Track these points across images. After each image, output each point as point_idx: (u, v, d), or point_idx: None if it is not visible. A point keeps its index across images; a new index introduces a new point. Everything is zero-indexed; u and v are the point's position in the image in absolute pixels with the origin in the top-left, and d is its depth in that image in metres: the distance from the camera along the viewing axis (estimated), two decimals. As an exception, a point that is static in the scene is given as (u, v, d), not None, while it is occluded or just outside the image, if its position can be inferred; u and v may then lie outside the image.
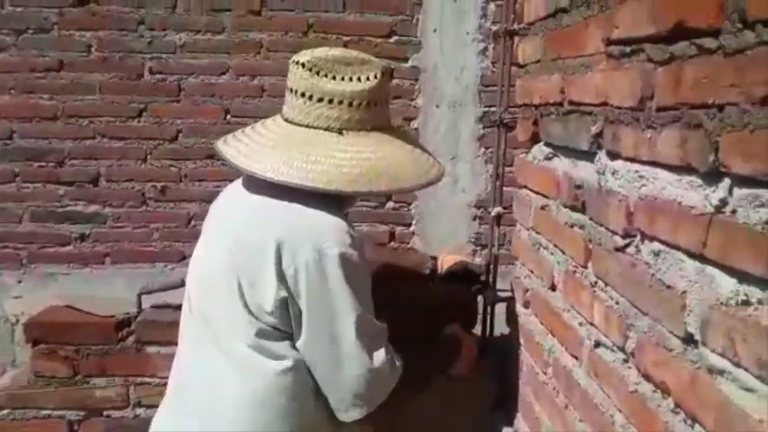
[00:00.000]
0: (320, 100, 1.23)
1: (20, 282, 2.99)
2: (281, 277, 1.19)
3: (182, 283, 1.75)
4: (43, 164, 2.95)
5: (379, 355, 1.27)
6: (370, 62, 1.28)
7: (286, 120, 1.30)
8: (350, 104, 1.24)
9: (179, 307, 1.61)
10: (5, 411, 1.71)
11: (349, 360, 1.23)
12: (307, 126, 1.25)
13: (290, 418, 1.24)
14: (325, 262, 1.19)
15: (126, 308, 1.76)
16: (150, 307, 1.78)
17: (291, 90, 1.27)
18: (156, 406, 1.53)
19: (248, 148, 1.29)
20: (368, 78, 1.26)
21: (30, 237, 2.99)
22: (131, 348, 1.70)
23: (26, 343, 1.71)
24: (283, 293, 1.20)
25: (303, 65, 1.24)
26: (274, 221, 1.24)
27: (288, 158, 1.22)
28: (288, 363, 1.23)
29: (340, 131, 1.25)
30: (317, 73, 1.23)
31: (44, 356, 1.69)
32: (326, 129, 1.25)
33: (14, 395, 1.70)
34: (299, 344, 1.23)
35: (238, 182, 1.39)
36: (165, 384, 1.45)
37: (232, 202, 1.37)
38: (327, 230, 1.22)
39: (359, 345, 1.23)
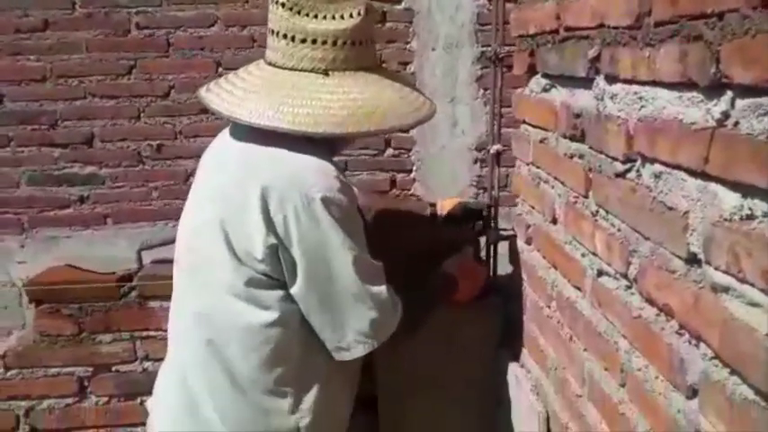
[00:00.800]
0: (303, 41, 1.20)
1: (22, 246, 2.98)
2: (269, 224, 1.18)
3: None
4: (36, 126, 2.90)
5: (380, 291, 1.26)
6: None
7: (269, 63, 1.27)
8: (334, 44, 1.21)
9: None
10: (14, 371, 1.73)
11: (350, 299, 1.23)
12: (291, 69, 1.23)
13: (274, 367, 1.25)
14: (314, 207, 1.17)
15: (127, 265, 1.76)
16: (151, 262, 1.78)
17: (273, 32, 1.24)
18: (163, 359, 1.54)
19: (231, 94, 1.26)
20: (351, 16, 1.22)
21: (29, 201, 2.97)
22: (134, 303, 1.71)
23: (29, 303, 1.71)
24: (273, 240, 1.18)
25: (283, 4, 1.21)
26: (260, 169, 1.21)
27: (272, 103, 1.20)
28: (274, 314, 1.23)
29: (326, 72, 1.22)
30: (299, 12, 1.20)
31: (48, 316, 1.70)
32: (312, 70, 1.22)
33: (21, 354, 1.72)
34: (294, 290, 1.22)
35: (225, 131, 1.36)
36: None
37: (217, 152, 1.35)
38: (314, 175, 1.19)
39: (358, 283, 1.22)
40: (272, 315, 1.23)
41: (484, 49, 2.83)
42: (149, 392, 1.73)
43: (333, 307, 1.23)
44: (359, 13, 1.22)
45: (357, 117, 1.20)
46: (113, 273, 1.71)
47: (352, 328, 1.25)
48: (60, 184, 2.95)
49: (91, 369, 1.73)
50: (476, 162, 2.98)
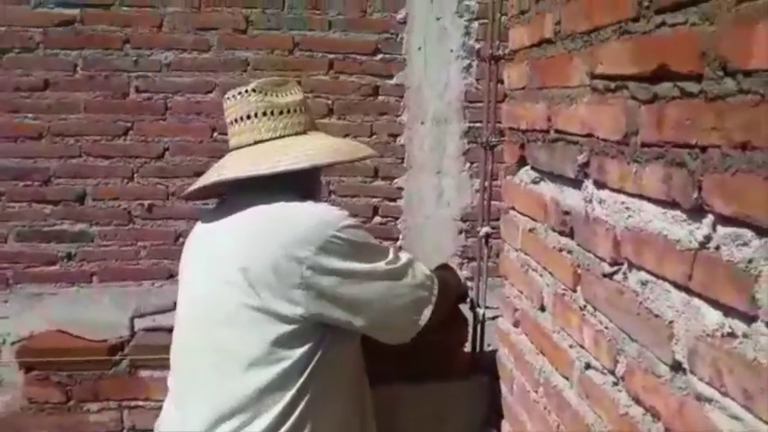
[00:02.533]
0: (280, 113, 1.41)
1: (6, 302, 2.96)
2: (299, 285, 1.25)
3: (174, 306, 1.77)
4: (29, 183, 2.94)
5: (420, 267, 1.44)
6: (286, 78, 1.52)
7: (245, 146, 1.41)
8: (301, 111, 1.45)
9: (171, 330, 1.62)
10: (-2, 438, 1.71)
11: (401, 296, 1.37)
12: (277, 138, 1.40)
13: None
14: (332, 249, 1.28)
15: (117, 330, 1.76)
16: (142, 330, 1.79)
17: (247, 116, 1.40)
18: (150, 430, 1.54)
19: (211, 171, 1.43)
20: (296, 90, 1.48)
21: (15, 256, 2.97)
22: (124, 372, 1.71)
23: (19, 369, 1.70)
24: (311, 298, 1.26)
25: (254, 90, 1.40)
26: (269, 237, 1.29)
27: (267, 159, 1.35)
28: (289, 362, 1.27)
29: (305, 132, 1.45)
30: (266, 93, 1.41)
31: (37, 383, 1.69)
32: (296, 133, 1.43)
33: (7, 422, 1.70)
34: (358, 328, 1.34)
35: (208, 218, 1.46)
36: (159, 408, 1.46)
37: (214, 233, 1.40)
38: (322, 220, 1.30)
39: (401, 268, 1.37)
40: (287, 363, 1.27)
41: (471, 124, 2.95)
42: (133, 463, 1.73)
43: (389, 311, 1.37)
44: (299, 88, 1.50)
45: (341, 150, 1.48)
46: (105, 340, 1.72)
47: (412, 301, 1.39)
48: (49, 241, 2.97)
49: (76, 438, 1.72)
50: (460, 233, 3.06)
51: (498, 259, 1.69)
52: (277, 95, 1.42)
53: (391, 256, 1.38)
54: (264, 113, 1.39)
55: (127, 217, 2.99)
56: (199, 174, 2.89)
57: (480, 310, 1.79)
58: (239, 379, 1.26)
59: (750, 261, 0.68)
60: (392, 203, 3.03)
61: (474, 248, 1.81)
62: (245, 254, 1.29)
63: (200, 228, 1.48)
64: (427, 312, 1.41)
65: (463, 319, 1.78)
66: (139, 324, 1.78)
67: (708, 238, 0.76)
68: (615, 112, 0.98)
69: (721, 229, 0.74)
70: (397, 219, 3.07)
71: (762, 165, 0.66)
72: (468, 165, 3.01)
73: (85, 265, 3.00)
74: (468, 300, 1.83)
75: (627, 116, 0.94)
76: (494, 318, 1.76)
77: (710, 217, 0.76)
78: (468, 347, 1.82)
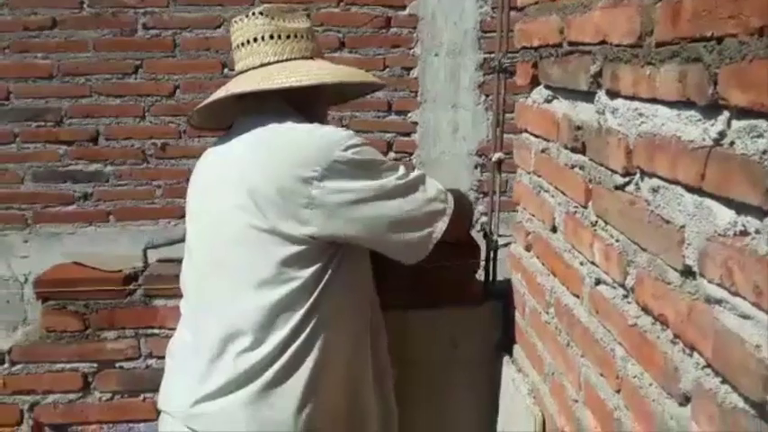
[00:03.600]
0: (288, 37, 1.40)
1: (26, 242, 3.02)
2: (307, 204, 1.25)
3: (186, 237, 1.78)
4: (42, 123, 2.94)
5: (433, 182, 1.43)
6: (293, 7, 1.47)
7: (252, 68, 1.38)
8: (307, 37, 1.43)
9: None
10: (20, 366, 1.75)
11: (416, 212, 1.35)
12: (284, 61, 1.38)
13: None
14: (338, 168, 1.27)
15: (132, 263, 1.78)
16: (156, 261, 1.80)
17: (254, 39, 1.38)
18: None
19: (227, 89, 1.39)
20: (304, 19, 1.46)
21: (33, 197, 3.00)
22: (139, 302, 1.73)
23: (36, 300, 1.73)
24: (313, 196, 1.26)
25: (261, 13, 1.39)
26: (275, 157, 1.29)
27: (275, 77, 1.34)
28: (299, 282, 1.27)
29: (311, 57, 1.43)
30: (273, 18, 1.40)
31: (54, 312, 1.72)
32: (302, 58, 1.41)
33: (27, 350, 1.74)
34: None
35: (214, 148, 1.45)
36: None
37: (222, 157, 1.40)
38: (328, 140, 1.29)
39: (412, 182, 1.36)
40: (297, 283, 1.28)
41: (486, 56, 2.87)
42: (152, 389, 1.76)
43: (403, 227, 1.35)
44: (308, 17, 1.48)
45: (348, 73, 1.47)
46: (120, 271, 1.74)
47: (426, 213, 1.37)
48: (65, 181, 2.99)
49: (95, 365, 1.75)
50: (476, 167, 3.02)
51: (512, 194, 1.67)
52: (284, 20, 1.41)
53: (402, 171, 1.36)
54: (272, 36, 1.38)
55: (141, 156, 3.00)
56: (210, 111, 2.89)
57: (493, 238, 1.77)
58: (249, 299, 1.27)
59: (765, 152, 0.65)
60: (406, 138, 2.99)
61: (489, 183, 1.78)
62: (251, 175, 1.28)
63: (207, 155, 1.47)
64: (442, 225, 1.39)
65: (476, 247, 1.77)
66: (152, 255, 1.79)
67: (722, 134, 0.73)
68: (630, 13, 0.93)
69: (736, 123, 0.71)
70: (411, 154, 3.03)
71: (781, 48, 0.63)
72: (483, 97, 2.95)
73: (102, 205, 3.03)
74: (482, 228, 1.82)
75: (641, 15, 0.90)
76: (506, 245, 1.74)
77: (725, 113, 0.73)
78: (481, 275, 1.81)
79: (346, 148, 1.27)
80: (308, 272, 1.27)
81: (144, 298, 1.73)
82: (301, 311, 1.26)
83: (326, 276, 1.29)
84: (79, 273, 1.76)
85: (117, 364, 1.76)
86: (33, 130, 2.95)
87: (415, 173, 1.40)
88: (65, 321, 1.72)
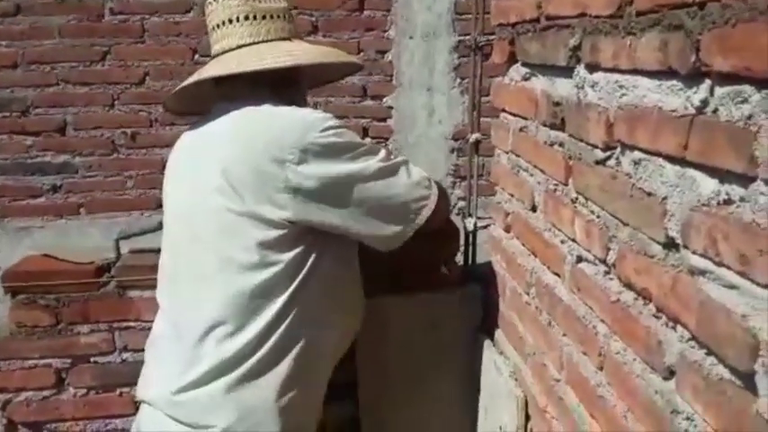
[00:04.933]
0: (263, 17, 1.36)
1: (-6, 236, 2.94)
2: (284, 189, 1.22)
3: (159, 227, 1.73)
4: (6, 114, 2.86)
5: (416, 168, 1.39)
6: None
7: (228, 50, 1.34)
8: (284, 17, 1.39)
9: (158, 250, 1.59)
10: (-10, 363, 1.70)
11: (397, 183, 1.32)
12: (260, 42, 1.35)
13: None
14: (310, 155, 1.23)
15: (104, 255, 1.74)
16: (129, 251, 1.76)
17: (229, 21, 1.34)
18: (143, 349, 1.53)
19: (200, 73, 1.35)
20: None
21: (0, 190, 2.92)
22: (113, 293, 1.69)
23: (5, 294, 1.68)
24: (288, 212, 1.23)
25: None
26: (251, 139, 1.26)
27: (251, 59, 1.31)
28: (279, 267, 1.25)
29: (289, 39, 1.39)
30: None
31: (24, 306, 1.67)
32: (279, 39, 1.37)
33: (-1, 346, 1.69)
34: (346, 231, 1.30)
35: (190, 131, 1.41)
36: (150, 328, 1.44)
37: (198, 140, 1.37)
38: (304, 123, 1.26)
39: (393, 166, 1.32)
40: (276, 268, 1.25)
41: (461, 38, 2.85)
42: (128, 383, 1.72)
43: (383, 209, 1.32)
44: None
45: (325, 53, 1.46)
46: (91, 262, 1.69)
47: (408, 199, 1.34)
48: (33, 173, 2.92)
49: (69, 360, 1.71)
50: (452, 151, 3.01)
51: (489, 177, 1.65)
52: (260, 1, 1.37)
53: (383, 154, 1.33)
54: (247, 17, 1.34)
55: (110, 146, 2.93)
56: (182, 98, 2.83)
57: (471, 220, 1.76)
58: (231, 284, 1.24)
59: (749, 117, 0.64)
60: (382, 123, 2.96)
61: (466, 167, 1.77)
62: (227, 158, 1.25)
63: (182, 140, 1.44)
64: (426, 212, 1.36)
65: (455, 230, 1.75)
66: (125, 246, 1.75)
67: (705, 102, 0.72)
68: (608, -17, 0.91)
69: (719, 90, 0.70)
70: (387, 139, 3.01)
71: (764, 11, 0.61)
72: (458, 81, 2.93)
73: (72, 197, 2.96)
74: (459, 211, 1.80)
75: (620, -15, 0.88)
76: (485, 227, 1.73)
77: (708, 81, 0.72)
78: (460, 259, 1.80)
79: (324, 130, 1.24)
80: (287, 256, 1.24)
81: (117, 290, 1.69)
82: (283, 297, 1.24)
83: (309, 262, 1.26)
84: (50, 265, 1.71)
85: (91, 359, 1.72)
86: (-2, 121, 2.87)
87: (398, 158, 1.37)
88: (36, 316, 1.67)
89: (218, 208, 1.24)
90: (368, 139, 2.98)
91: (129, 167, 2.96)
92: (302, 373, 1.28)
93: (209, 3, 1.39)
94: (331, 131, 1.25)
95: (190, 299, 1.30)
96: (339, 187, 1.25)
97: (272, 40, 1.36)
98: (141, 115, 2.90)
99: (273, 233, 1.23)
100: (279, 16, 1.38)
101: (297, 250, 1.25)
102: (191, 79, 1.37)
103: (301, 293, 1.26)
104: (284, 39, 1.38)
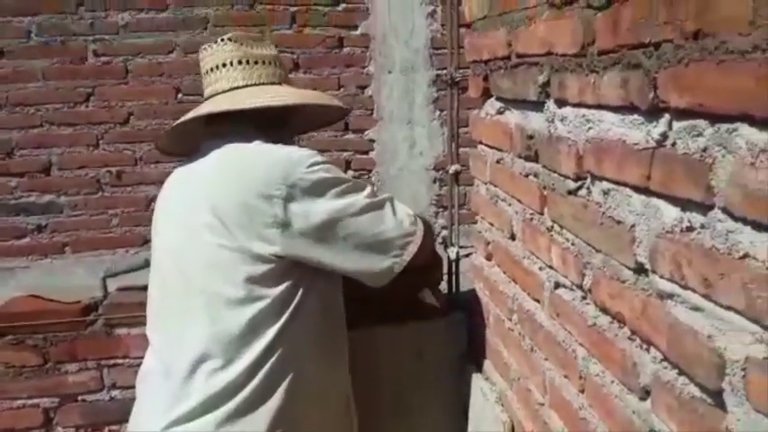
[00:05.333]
0: (256, 62, 1.42)
1: (-22, 278, 2.93)
2: (272, 224, 1.25)
3: (146, 264, 1.75)
4: (-9, 156, 2.87)
5: (401, 205, 1.42)
6: (260, 36, 1.54)
7: (221, 92, 1.40)
8: (274, 64, 1.46)
9: (145, 287, 1.61)
10: (-23, 405, 1.69)
11: (384, 217, 1.35)
12: (252, 85, 1.40)
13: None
14: (297, 191, 1.27)
15: (90, 293, 1.75)
16: (116, 289, 1.77)
17: (223, 65, 1.40)
18: (132, 386, 1.53)
19: (196, 111, 1.40)
20: (271, 47, 1.50)
21: (-16, 231, 2.92)
22: (101, 332, 1.70)
23: (-8, 335, 1.68)
24: (278, 215, 1.26)
25: (230, 39, 1.42)
26: (239, 174, 1.30)
27: (232, 101, 1.37)
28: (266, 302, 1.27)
29: (280, 83, 1.45)
30: (242, 44, 1.42)
31: (12, 347, 1.67)
32: (270, 83, 1.43)
33: (-15, 388, 1.69)
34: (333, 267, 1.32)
35: (181, 169, 1.45)
36: (139, 364, 1.45)
37: (188, 177, 1.40)
38: (290, 159, 1.30)
39: (379, 202, 1.36)
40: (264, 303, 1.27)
41: (439, 72, 2.92)
42: (117, 421, 1.73)
43: (369, 246, 1.34)
44: (275, 46, 1.52)
45: (315, 96, 1.54)
46: (78, 302, 1.70)
47: (395, 235, 1.36)
48: (17, 214, 2.92)
49: (57, 399, 1.70)
50: (434, 182, 3.06)
51: (470, 206, 1.70)
52: (252, 47, 1.43)
53: (369, 190, 1.36)
54: (240, 62, 1.40)
55: (96, 185, 2.95)
56: (166, 137, 2.87)
57: (453, 249, 1.79)
58: (218, 319, 1.26)
59: (705, 150, 0.69)
60: (364, 156, 3.01)
61: (448, 197, 1.81)
62: (216, 194, 1.29)
63: (171, 178, 1.46)
64: (413, 248, 1.38)
65: (438, 260, 1.79)
66: (112, 284, 1.76)
67: (664, 136, 0.77)
68: (572, 25, 0.97)
69: (676, 124, 0.74)
70: (370, 171, 3.06)
71: (713, 51, 0.66)
72: (438, 113, 2.99)
73: (57, 237, 2.96)
74: (442, 240, 1.84)
75: (584, 26, 0.93)
76: (467, 255, 1.77)
77: (666, 116, 0.77)
78: (444, 287, 1.83)
79: (310, 166, 1.28)
80: (275, 291, 1.26)
81: (105, 328, 1.70)
82: (272, 331, 1.26)
83: (297, 297, 1.28)
84: (36, 305, 1.72)
85: (79, 397, 1.72)
86: (-18, 163, 2.88)
87: (384, 194, 1.41)
88: (23, 356, 1.68)
89: (208, 244, 1.27)
90: (350, 172, 3.03)
91: (115, 205, 2.97)
92: (290, 407, 1.29)
93: (204, 48, 1.45)
94: (317, 167, 1.29)
95: (177, 334, 1.31)
96: (327, 223, 1.28)
97: (263, 84, 1.41)
98: (126, 154, 2.93)
99: (262, 268, 1.26)
100: (270, 62, 1.44)
101: (284, 285, 1.27)
102: (185, 117, 1.41)
103: (289, 328, 1.28)
104: (275, 83, 1.43)
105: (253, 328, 1.26)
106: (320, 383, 1.38)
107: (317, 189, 1.28)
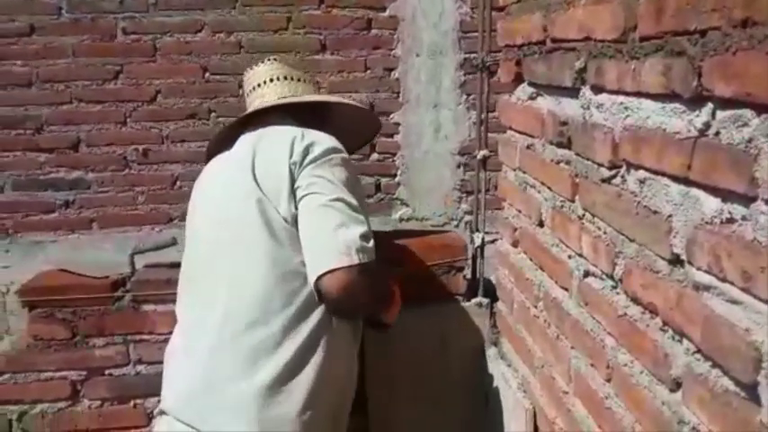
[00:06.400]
0: (299, 80, 1.59)
1: (7, 251, 2.97)
2: (289, 166, 1.33)
3: (173, 242, 1.77)
4: (21, 131, 2.90)
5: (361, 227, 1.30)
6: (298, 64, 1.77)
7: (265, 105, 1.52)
8: (313, 83, 1.63)
9: (172, 265, 1.63)
10: (6, 376, 1.73)
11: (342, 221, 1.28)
12: (296, 96, 1.55)
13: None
14: (325, 152, 1.35)
15: (118, 269, 1.77)
16: (144, 266, 1.79)
17: (270, 80, 1.56)
18: (157, 362, 1.56)
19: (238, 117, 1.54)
20: (307, 73, 1.67)
21: (13, 206, 2.96)
22: (128, 307, 1.72)
23: (22, 308, 1.71)
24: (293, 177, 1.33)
25: (275, 59, 1.61)
26: (285, 134, 1.38)
27: (282, 96, 1.54)
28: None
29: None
30: (284, 65, 1.60)
31: (42, 320, 1.70)
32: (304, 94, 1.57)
33: (14, 359, 1.72)
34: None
35: (219, 157, 1.51)
36: (164, 341, 1.47)
37: (229, 155, 1.47)
38: (333, 139, 1.40)
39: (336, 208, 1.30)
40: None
41: (467, 55, 2.89)
42: (143, 395, 1.75)
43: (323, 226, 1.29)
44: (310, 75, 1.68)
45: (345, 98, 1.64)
46: (107, 277, 1.72)
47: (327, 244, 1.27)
48: (45, 189, 2.95)
49: (84, 373, 1.74)
50: (459, 166, 3.03)
51: (496, 192, 1.69)
52: (293, 68, 1.61)
53: (357, 207, 1.33)
54: (286, 78, 1.57)
55: (123, 162, 2.97)
56: (192, 116, 2.88)
57: (479, 235, 1.79)
58: (250, 287, 1.29)
59: (750, 140, 0.67)
60: (389, 139, 2.99)
61: (473, 182, 1.80)
62: (256, 166, 1.35)
63: (209, 166, 1.53)
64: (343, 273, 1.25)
65: (461, 244, 1.79)
66: (139, 261, 1.78)
67: (707, 125, 0.75)
68: (613, 9, 0.95)
69: (720, 114, 0.73)
70: (394, 154, 3.04)
71: (762, 40, 0.65)
72: (464, 97, 2.96)
73: (84, 212, 2.99)
74: (467, 225, 1.83)
75: (625, 11, 0.92)
76: (492, 241, 1.76)
77: (710, 105, 0.75)
78: (468, 273, 1.83)
79: (342, 155, 1.39)
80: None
81: (132, 303, 1.72)
82: (301, 298, 1.29)
83: None
84: (66, 280, 1.75)
85: (106, 371, 1.75)
86: (13, 138, 2.90)
87: (361, 216, 1.32)
88: (52, 329, 1.71)
89: (255, 210, 1.31)
90: (375, 155, 3.02)
91: (141, 183, 2.99)
92: (323, 386, 1.30)
93: (249, 69, 1.61)
94: (346, 160, 1.39)
95: (213, 304, 1.32)
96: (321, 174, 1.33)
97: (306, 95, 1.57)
98: (153, 132, 2.94)
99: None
100: (309, 82, 1.61)
101: None
102: (249, 109, 1.55)
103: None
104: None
105: (284, 295, 1.29)
106: (347, 365, 1.39)
107: (338, 169, 1.35)
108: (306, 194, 1.30)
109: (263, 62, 1.60)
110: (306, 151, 1.33)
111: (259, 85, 1.56)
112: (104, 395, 1.76)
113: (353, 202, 1.31)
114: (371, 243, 1.29)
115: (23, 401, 1.74)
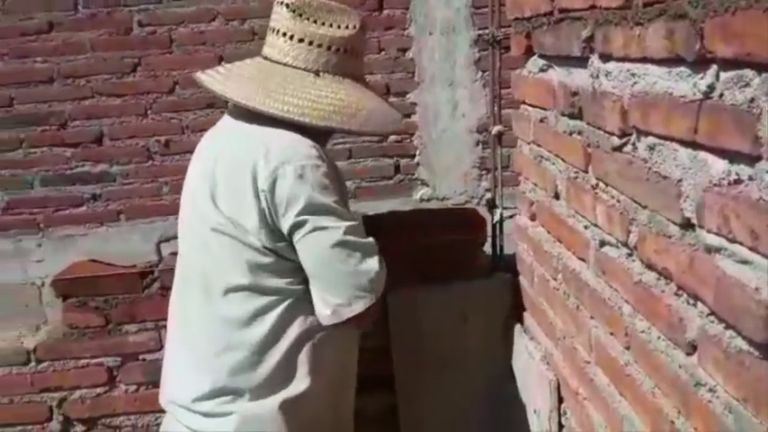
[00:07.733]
0: (300, 41, 1.30)
1: (39, 245, 3.06)
2: (257, 194, 1.25)
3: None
4: (46, 127, 2.97)
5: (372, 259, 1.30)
6: (350, 12, 1.35)
7: (265, 58, 1.35)
8: (329, 48, 1.31)
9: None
10: (45, 364, 1.79)
11: (344, 256, 1.26)
12: (285, 64, 1.32)
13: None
14: (295, 173, 1.23)
15: (146, 258, 1.82)
16: (170, 254, 1.83)
17: (273, 29, 1.33)
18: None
19: (224, 76, 1.36)
20: (347, 27, 1.32)
21: (43, 201, 3.04)
22: (157, 294, 1.77)
23: (56, 298, 1.77)
24: (262, 206, 1.25)
25: (287, 5, 1.30)
26: (251, 144, 1.28)
27: (265, 89, 1.29)
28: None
29: (317, 73, 1.31)
30: (300, 15, 1.29)
31: (76, 309, 1.76)
32: (304, 69, 1.31)
33: (52, 348, 1.79)
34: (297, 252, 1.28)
35: (218, 124, 1.46)
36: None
37: (212, 138, 1.44)
38: (298, 149, 1.26)
39: (348, 243, 1.27)
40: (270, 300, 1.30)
41: (480, 32, 2.88)
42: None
43: (328, 264, 1.27)
44: (354, 26, 1.34)
45: (341, 115, 1.30)
46: (135, 265, 1.77)
47: (349, 284, 1.27)
48: (73, 183, 3.03)
49: (119, 359, 1.79)
50: (477, 144, 3.04)
51: (514, 168, 1.69)
52: (313, 21, 1.29)
53: (357, 222, 1.31)
54: (284, 34, 1.30)
55: (145, 154, 3.03)
56: (210, 105, 2.92)
57: (498, 211, 1.80)
58: (237, 281, 1.31)
59: (752, 100, 0.68)
60: (407, 119, 3.00)
61: (491, 159, 1.80)
62: (221, 196, 1.31)
63: (201, 143, 1.49)
64: (358, 307, 1.28)
65: (481, 220, 1.80)
66: (166, 248, 1.83)
67: (711, 88, 0.75)
68: (616, -24, 0.95)
69: (723, 75, 0.73)
70: (412, 135, 3.05)
71: (762, -1, 0.64)
72: (480, 74, 2.96)
73: (111, 205, 3.06)
74: (486, 202, 1.84)
75: (628, -23, 0.91)
76: (511, 217, 1.77)
77: (713, 67, 0.75)
78: (488, 248, 1.84)
79: (318, 164, 1.27)
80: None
81: (161, 290, 1.76)
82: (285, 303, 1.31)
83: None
84: (96, 269, 1.80)
85: (140, 357, 1.80)
86: (39, 135, 2.98)
87: (364, 240, 1.30)
88: (86, 317, 1.76)
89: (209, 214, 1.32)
90: (393, 136, 3.03)
91: (164, 174, 3.05)
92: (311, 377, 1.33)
93: (276, 2, 1.34)
94: (323, 168, 1.27)
95: (195, 297, 1.39)
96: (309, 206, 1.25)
97: (309, 70, 1.30)
98: (173, 123, 2.99)
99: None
100: (337, 49, 1.30)
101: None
102: (222, 90, 1.35)
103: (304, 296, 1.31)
104: (327, 72, 1.31)
105: (272, 292, 1.30)
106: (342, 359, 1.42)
107: (318, 182, 1.26)
108: (309, 232, 1.24)
109: (280, 3, 1.31)
110: (274, 175, 1.23)
111: (274, 31, 1.32)
112: (140, 380, 1.82)
113: (351, 216, 1.29)
114: (381, 265, 1.30)
115: (63, 388, 1.81)
